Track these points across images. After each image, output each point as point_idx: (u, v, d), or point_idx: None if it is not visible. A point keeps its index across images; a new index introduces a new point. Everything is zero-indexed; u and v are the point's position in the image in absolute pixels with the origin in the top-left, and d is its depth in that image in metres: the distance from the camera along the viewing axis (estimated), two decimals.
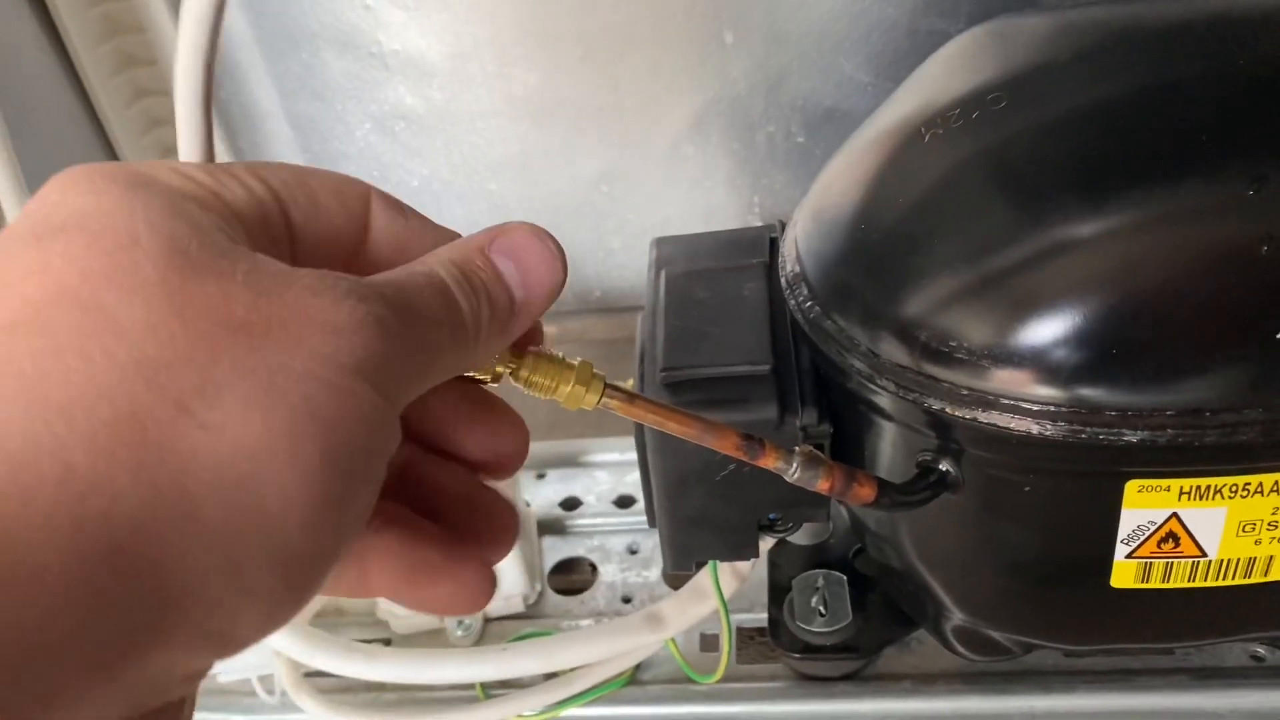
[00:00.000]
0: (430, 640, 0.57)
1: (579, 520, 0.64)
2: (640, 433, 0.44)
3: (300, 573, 0.20)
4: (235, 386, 0.19)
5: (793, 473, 0.35)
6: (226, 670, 0.55)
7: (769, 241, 0.49)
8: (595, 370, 0.32)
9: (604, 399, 0.32)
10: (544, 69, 0.62)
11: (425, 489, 0.28)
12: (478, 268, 0.25)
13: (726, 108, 0.63)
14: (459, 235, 0.27)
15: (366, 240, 0.26)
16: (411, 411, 0.24)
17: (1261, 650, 0.50)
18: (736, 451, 0.35)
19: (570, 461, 0.67)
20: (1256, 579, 0.39)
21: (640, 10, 0.60)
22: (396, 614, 0.57)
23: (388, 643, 0.58)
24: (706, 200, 0.68)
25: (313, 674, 0.54)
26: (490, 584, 0.27)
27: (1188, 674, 0.49)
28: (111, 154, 0.65)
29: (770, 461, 0.35)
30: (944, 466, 0.38)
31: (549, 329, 0.83)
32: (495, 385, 0.30)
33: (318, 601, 0.59)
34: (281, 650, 0.53)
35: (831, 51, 0.59)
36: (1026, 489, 0.37)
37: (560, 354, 0.31)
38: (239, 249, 0.21)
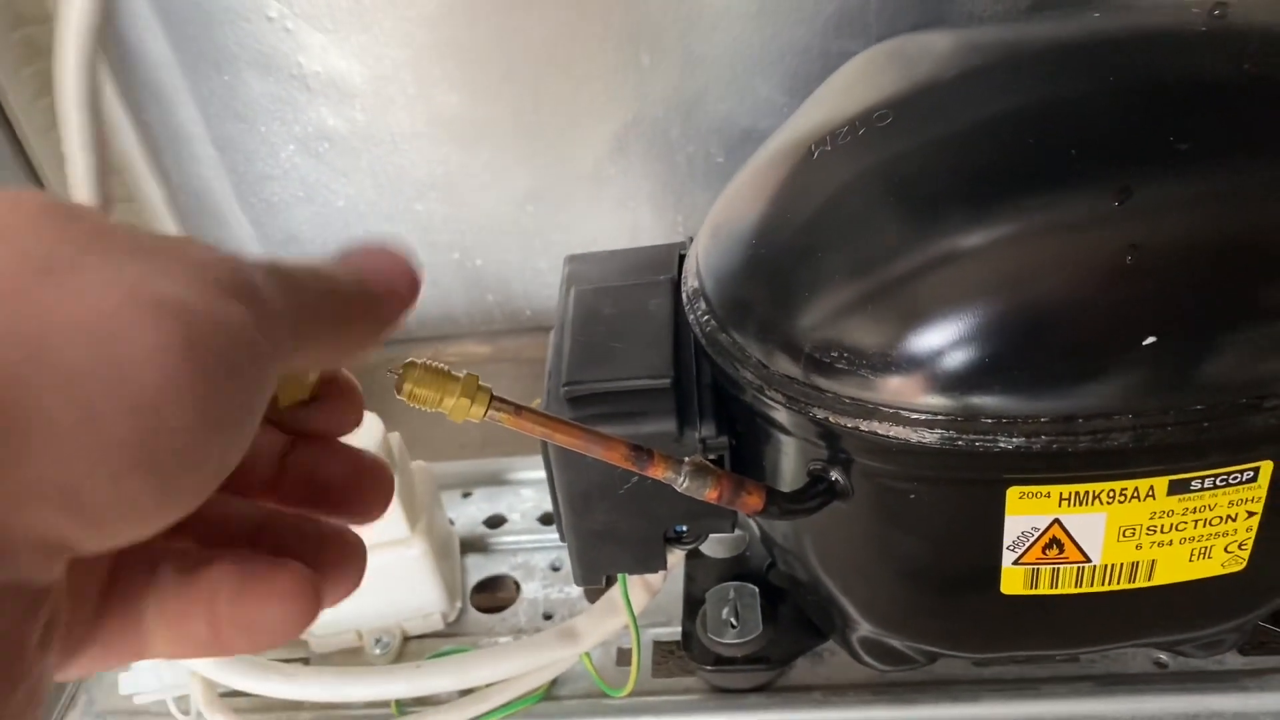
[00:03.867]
0: (348, 659, 0.57)
1: (503, 538, 0.64)
2: (546, 449, 0.44)
3: (157, 434, 0.19)
4: (102, 269, 0.19)
5: (681, 482, 0.36)
6: (142, 691, 0.55)
7: (678, 258, 0.50)
8: (481, 383, 0.32)
9: (490, 411, 0.32)
10: (464, 90, 0.63)
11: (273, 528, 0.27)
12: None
13: (646, 129, 0.64)
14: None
15: None
16: None
17: (1164, 657, 0.51)
18: (625, 462, 0.36)
19: (496, 480, 0.68)
20: (1141, 583, 0.40)
21: (558, 33, 0.60)
22: (315, 633, 0.57)
23: (306, 662, 0.57)
24: (632, 219, 0.69)
25: (229, 694, 0.54)
26: (315, 598, 0.24)
27: (1092, 681, 0.50)
28: (17, 146, 0.64)
29: (659, 471, 0.36)
30: (833, 475, 0.39)
31: (482, 349, 0.83)
32: None
33: None
34: (197, 670, 0.53)
35: (746, 73, 0.60)
36: (913, 496, 0.38)
37: (445, 366, 0.31)
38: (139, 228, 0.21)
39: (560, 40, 0.61)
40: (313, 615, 0.24)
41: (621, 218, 0.69)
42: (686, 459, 0.36)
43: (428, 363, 0.31)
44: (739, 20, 0.59)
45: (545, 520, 0.65)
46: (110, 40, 0.64)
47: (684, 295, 0.45)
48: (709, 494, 0.36)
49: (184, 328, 0.19)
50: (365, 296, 0.25)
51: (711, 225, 0.45)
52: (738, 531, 0.53)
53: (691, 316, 0.43)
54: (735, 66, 0.60)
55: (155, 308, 0.19)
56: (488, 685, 0.52)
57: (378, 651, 0.57)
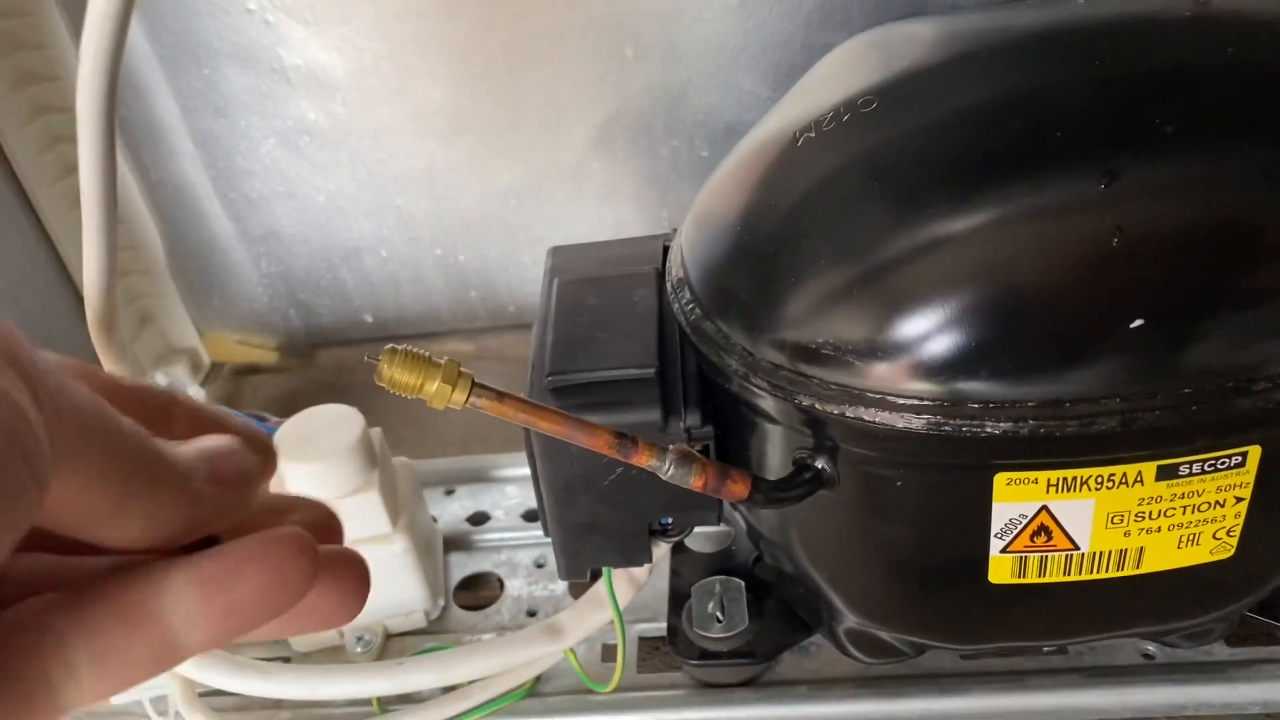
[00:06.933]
0: (329, 657, 0.56)
1: (487, 535, 0.63)
2: (529, 441, 0.44)
3: None
4: None
5: (666, 470, 0.36)
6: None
7: (662, 249, 0.50)
8: (463, 369, 0.32)
9: (472, 398, 0.32)
10: (446, 84, 0.62)
11: None
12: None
13: (630, 122, 0.64)
14: None
15: None
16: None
17: (1151, 648, 0.51)
18: (609, 450, 0.35)
19: (480, 477, 0.67)
20: (1129, 571, 0.39)
21: (539, 26, 0.60)
22: None
23: (287, 660, 0.57)
24: (615, 214, 0.69)
25: (208, 693, 0.53)
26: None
27: (1080, 673, 0.50)
28: (9, 172, 0.64)
29: (643, 459, 0.35)
30: (819, 463, 0.39)
31: (466, 346, 0.83)
32: None
33: None
34: (175, 669, 0.52)
35: (729, 67, 0.60)
36: (899, 484, 0.38)
37: (426, 353, 0.31)
38: None
39: (543, 34, 0.61)
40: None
41: (605, 212, 0.69)
42: (671, 446, 0.36)
43: (408, 349, 0.31)
44: (721, 13, 0.58)
45: (529, 517, 0.64)
46: None
47: (669, 285, 0.44)
48: (694, 482, 0.36)
49: None
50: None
51: (696, 214, 0.44)
52: (723, 525, 0.52)
53: (676, 306, 0.43)
54: (718, 60, 0.60)
55: None
56: (471, 682, 0.52)
57: (359, 649, 0.56)
